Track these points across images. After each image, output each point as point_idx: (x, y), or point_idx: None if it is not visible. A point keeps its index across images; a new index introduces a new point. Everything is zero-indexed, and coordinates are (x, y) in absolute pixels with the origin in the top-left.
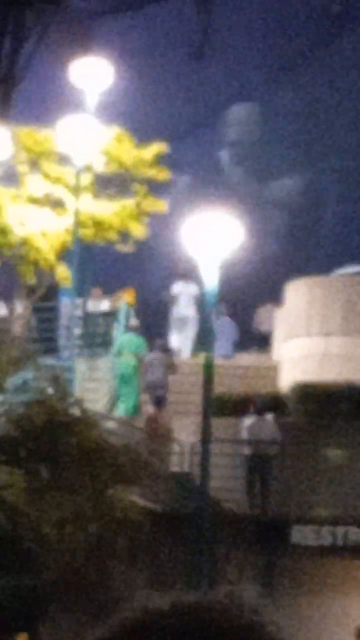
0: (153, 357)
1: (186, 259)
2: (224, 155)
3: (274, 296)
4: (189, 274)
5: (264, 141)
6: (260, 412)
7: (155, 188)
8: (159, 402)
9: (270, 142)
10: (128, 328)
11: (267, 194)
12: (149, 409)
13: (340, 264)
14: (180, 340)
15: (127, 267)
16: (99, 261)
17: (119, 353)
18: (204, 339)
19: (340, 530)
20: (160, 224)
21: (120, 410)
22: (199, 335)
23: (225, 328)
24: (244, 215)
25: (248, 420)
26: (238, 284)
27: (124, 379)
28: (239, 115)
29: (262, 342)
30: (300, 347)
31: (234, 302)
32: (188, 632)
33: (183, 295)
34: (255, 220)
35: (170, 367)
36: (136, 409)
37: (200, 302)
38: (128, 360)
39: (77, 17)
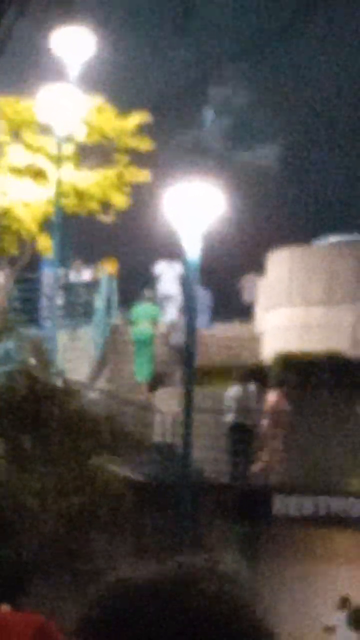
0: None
1: (170, 238)
2: (208, 123)
3: (257, 266)
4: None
5: (248, 109)
6: (244, 381)
7: (141, 158)
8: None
9: (254, 109)
10: (143, 299)
11: (251, 161)
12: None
13: (323, 233)
14: (167, 318)
15: (108, 238)
16: (81, 231)
17: (135, 322)
18: (185, 310)
19: (322, 500)
20: (146, 194)
21: (141, 376)
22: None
23: (201, 298)
24: (227, 184)
25: (232, 390)
26: (220, 253)
27: (139, 347)
28: (223, 82)
29: (245, 312)
30: (282, 317)
31: (216, 272)
32: (169, 600)
33: (166, 274)
34: (238, 189)
35: None
36: (151, 375)
37: (183, 279)
38: (144, 329)
39: None
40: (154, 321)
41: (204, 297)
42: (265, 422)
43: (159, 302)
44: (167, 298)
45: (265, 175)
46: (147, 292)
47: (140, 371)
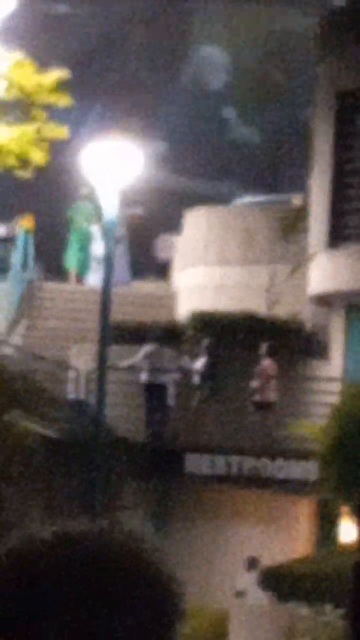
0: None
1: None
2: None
3: (174, 225)
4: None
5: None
6: (158, 340)
7: (65, 114)
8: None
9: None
10: (80, 197)
11: (176, 118)
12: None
13: (240, 193)
14: (97, 278)
15: (26, 194)
16: None
17: (73, 219)
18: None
19: (234, 459)
20: (66, 150)
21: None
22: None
23: (120, 255)
24: (146, 142)
25: (145, 348)
26: (138, 211)
27: (75, 240)
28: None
29: (161, 270)
30: (198, 276)
31: (134, 229)
32: (72, 561)
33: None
34: (162, 145)
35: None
36: (85, 270)
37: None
38: (81, 228)
39: None
40: (90, 218)
41: (124, 253)
42: (255, 383)
43: (95, 262)
44: (100, 259)
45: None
46: (83, 189)
47: (72, 260)
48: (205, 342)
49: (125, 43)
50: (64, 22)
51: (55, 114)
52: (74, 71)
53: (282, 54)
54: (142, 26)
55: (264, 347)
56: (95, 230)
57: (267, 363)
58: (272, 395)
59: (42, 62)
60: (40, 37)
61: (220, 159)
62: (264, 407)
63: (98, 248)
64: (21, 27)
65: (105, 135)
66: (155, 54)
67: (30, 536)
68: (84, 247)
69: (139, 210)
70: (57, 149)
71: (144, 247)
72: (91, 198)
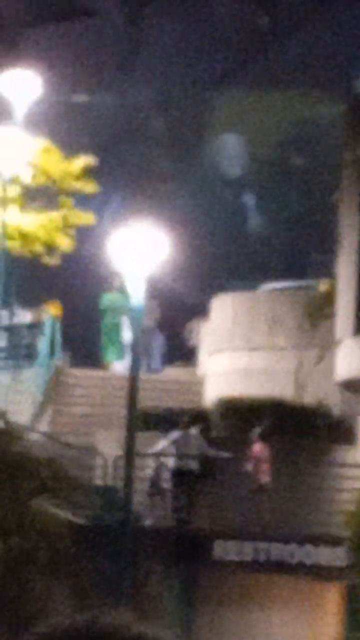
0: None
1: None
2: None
3: (202, 311)
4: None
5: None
6: (185, 426)
7: (87, 201)
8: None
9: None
10: (112, 288)
11: (198, 207)
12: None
13: (266, 280)
14: (124, 365)
15: (54, 280)
16: (25, 273)
17: (104, 312)
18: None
19: (262, 545)
20: (91, 237)
21: (110, 358)
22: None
23: (155, 342)
24: (174, 229)
25: (173, 435)
26: (167, 297)
27: (108, 336)
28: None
29: (189, 356)
30: (225, 362)
31: (163, 316)
32: None
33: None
34: (185, 234)
35: None
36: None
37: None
38: (112, 320)
39: (3, 27)
40: (121, 311)
41: (158, 340)
42: (249, 467)
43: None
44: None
45: (215, 221)
46: (115, 281)
47: (108, 355)
48: (196, 428)
49: (145, 131)
50: (84, 110)
51: (76, 201)
52: (95, 158)
53: (304, 139)
54: (161, 114)
55: (254, 431)
56: (124, 318)
57: (258, 447)
58: (264, 479)
59: (63, 150)
60: (61, 125)
61: (242, 246)
62: (256, 491)
63: (126, 335)
64: (43, 115)
65: (127, 222)
66: (175, 142)
67: (55, 628)
68: (116, 338)
69: (156, 312)
70: (80, 235)
71: (172, 334)
72: (123, 290)
